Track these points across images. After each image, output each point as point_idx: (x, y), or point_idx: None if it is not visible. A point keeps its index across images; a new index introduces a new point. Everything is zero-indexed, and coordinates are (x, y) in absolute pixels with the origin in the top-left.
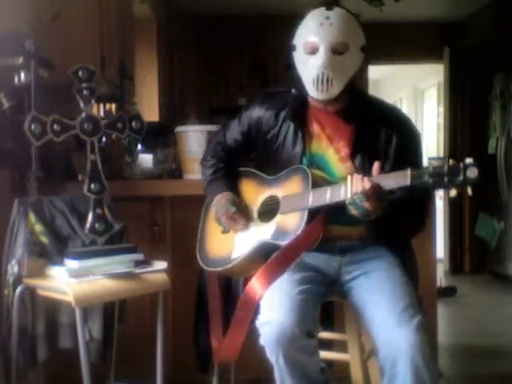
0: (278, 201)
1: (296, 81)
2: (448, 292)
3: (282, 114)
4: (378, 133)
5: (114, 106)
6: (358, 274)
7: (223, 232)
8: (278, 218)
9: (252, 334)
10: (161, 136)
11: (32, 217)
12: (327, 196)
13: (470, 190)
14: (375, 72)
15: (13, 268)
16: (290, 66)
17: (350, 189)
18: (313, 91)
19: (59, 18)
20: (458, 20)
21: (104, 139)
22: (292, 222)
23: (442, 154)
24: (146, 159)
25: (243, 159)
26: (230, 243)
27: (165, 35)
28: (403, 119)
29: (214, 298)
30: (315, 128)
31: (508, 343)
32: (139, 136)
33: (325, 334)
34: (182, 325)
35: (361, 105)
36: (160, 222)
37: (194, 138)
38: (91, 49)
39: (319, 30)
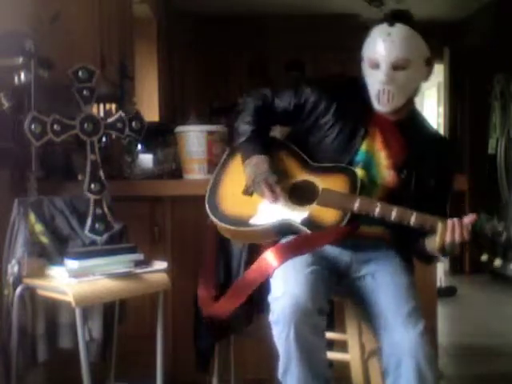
0: (316, 189)
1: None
2: (448, 292)
3: (347, 105)
4: (429, 150)
5: (114, 106)
6: (365, 274)
7: (245, 193)
8: (313, 207)
9: (252, 334)
10: (161, 136)
11: (32, 217)
12: (376, 209)
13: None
14: None
15: (13, 268)
16: (288, 67)
17: (441, 237)
18: (375, 104)
19: (59, 18)
20: (458, 20)
21: (104, 139)
22: (329, 216)
23: None
24: (146, 159)
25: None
26: (250, 207)
27: (165, 35)
28: (454, 146)
29: (211, 248)
30: (374, 129)
31: (508, 343)
32: (139, 136)
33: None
34: (182, 325)
35: (417, 122)
36: (160, 222)
37: (193, 138)
38: (91, 49)
39: (381, 47)
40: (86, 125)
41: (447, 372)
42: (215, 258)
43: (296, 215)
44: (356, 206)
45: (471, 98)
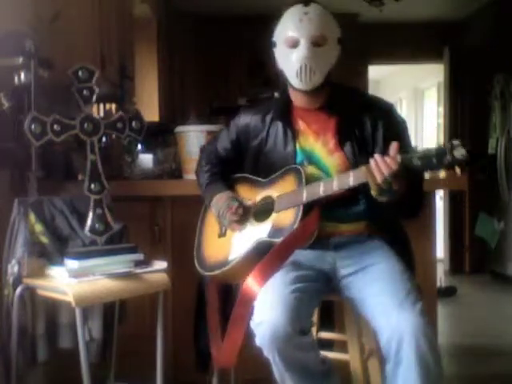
0: (272, 201)
1: (279, 76)
2: (448, 292)
3: (268, 117)
4: (363, 121)
5: (114, 106)
6: (354, 270)
7: (220, 236)
8: (274, 216)
9: (251, 334)
10: (161, 136)
11: (32, 217)
12: (320, 189)
13: (458, 170)
14: (375, 72)
15: (13, 268)
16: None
17: (372, 179)
18: (296, 82)
19: (59, 18)
20: (458, 20)
21: (104, 139)
22: (287, 218)
23: None
24: (146, 159)
25: (235, 167)
26: (226, 246)
27: (165, 35)
28: (387, 106)
29: (213, 308)
30: (301, 125)
31: (508, 343)
32: (139, 136)
33: (325, 334)
34: (182, 325)
35: (341, 97)
36: (160, 222)
37: (193, 138)
38: (91, 49)
39: (299, 25)
40: (85, 125)
41: (447, 372)
42: (219, 316)
43: (263, 232)
44: (304, 195)
45: (471, 98)
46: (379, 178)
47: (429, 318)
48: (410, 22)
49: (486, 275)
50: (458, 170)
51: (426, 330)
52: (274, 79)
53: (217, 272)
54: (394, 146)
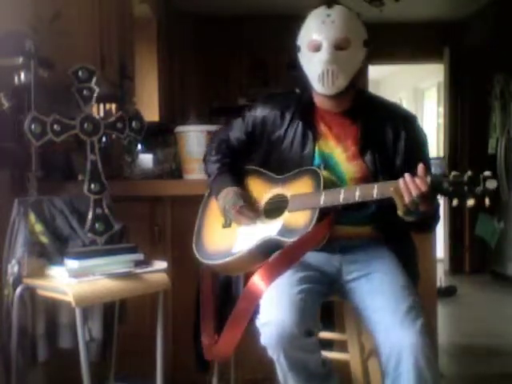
0: (285, 199)
1: (303, 81)
2: (448, 292)
3: (288, 114)
4: (385, 129)
5: (114, 106)
6: (359, 276)
7: (224, 226)
8: (285, 215)
9: (252, 334)
10: (161, 136)
11: (32, 217)
12: (341, 196)
13: (487, 201)
14: (375, 72)
15: (13, 268)
16: (291, 67)
17: (399, 199)
18: (319, 87)
19: (59, 18)
20: (457, 20)
21: (104, 139)
22: (301, 219)
23: (441, 154)
24: (146, 159)
25: (246, 158)
26: (231, 237)
27: (165, 35)
28: (410, 116)
29: (207, 295)
30: (322, 128)
31: (508, 343)
32: (139, 136)
33: (325, 334)
34: (181, 325)
35: (365, 104)
36: (160, 222)
37: (193, 138)
38: (91, 49)
39: (321, 28)
40: (86, 125)
41: (447, 372)
42: (212, 304)
43: (272, 229)
44: (322, 199)
45: (471, 98)
46: (407, 199)
47: (429, 335)
48: (410, 21)
49: (486, 275)
50: (487, 200)
51: (424, 349)
52: (273, 79)
53: (217, 262)
54: (421, 167)
